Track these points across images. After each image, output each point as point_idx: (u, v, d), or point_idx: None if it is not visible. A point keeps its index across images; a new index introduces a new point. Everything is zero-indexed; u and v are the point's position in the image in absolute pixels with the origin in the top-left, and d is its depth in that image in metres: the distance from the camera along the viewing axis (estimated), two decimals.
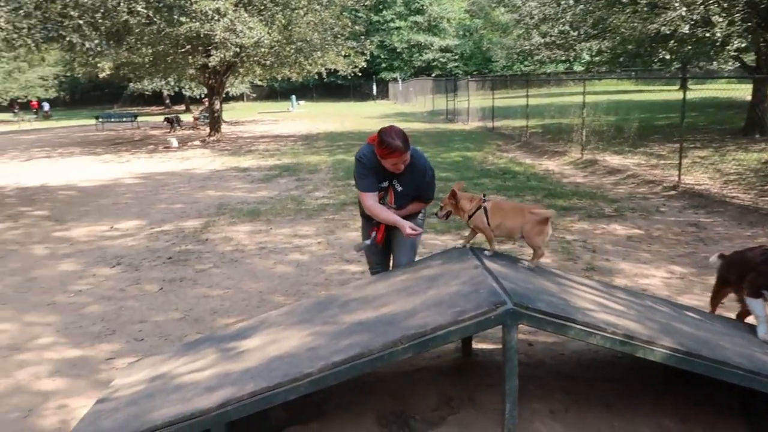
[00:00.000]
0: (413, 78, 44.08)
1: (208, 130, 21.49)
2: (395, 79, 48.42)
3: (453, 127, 20.72)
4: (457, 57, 50.46)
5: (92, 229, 7.75)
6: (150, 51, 15.16)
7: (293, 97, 41.55)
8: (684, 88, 11.05)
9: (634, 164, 10.58)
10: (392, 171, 3.30)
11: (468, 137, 17.03)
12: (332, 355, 2.44)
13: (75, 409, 3.25)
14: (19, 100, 39.56)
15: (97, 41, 9.76)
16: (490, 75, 35.00)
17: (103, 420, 2.67)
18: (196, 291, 5.12)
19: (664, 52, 12.93)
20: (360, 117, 28.74)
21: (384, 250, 3.67)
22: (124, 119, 29.72)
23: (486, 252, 3.22)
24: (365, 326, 2.62)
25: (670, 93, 26.50)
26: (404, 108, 36.00)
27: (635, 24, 12.17)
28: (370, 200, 3.37)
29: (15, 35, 9.25)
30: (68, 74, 41.61)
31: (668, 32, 11.11)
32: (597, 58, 17.01)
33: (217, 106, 20.39)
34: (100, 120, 28.99)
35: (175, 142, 18.72)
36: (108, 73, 17.13)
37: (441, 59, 50.12)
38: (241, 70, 19.81)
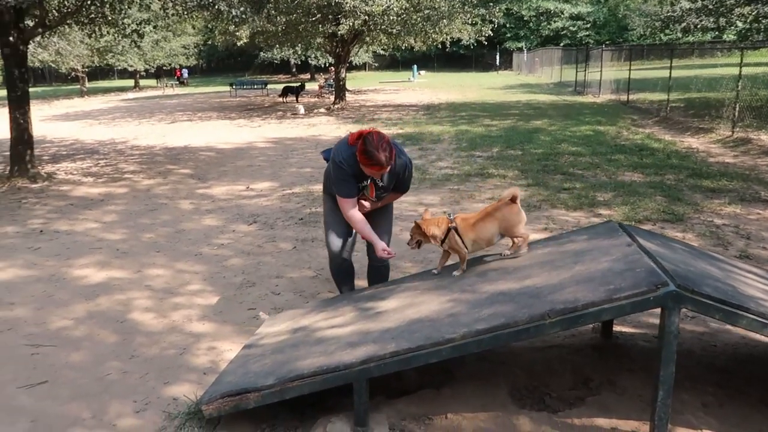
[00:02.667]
0: (539, 48, 42.23)
1: (332, 98, 22.07)
2: (520, 49, 46.71)
3: (582, 100, 19.66)
4: (588, 25, 47.55)
5: (230, 188, 8.28)
6: (283, 20, 15.72)
7: (414, 66, 41.46)
8: None
9: None
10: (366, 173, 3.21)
11: (599, 110, 16.08)
12: (474, 323, 2.41)
13: (223, 352, 3.51)
14: (164, 68, 42.99)
15: (242, 9, 10.24)
16: (627, 44, 32.53)
17: (251, 364, 2.86)
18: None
19: None
20: (482, 88, 28.14)
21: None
22: (255, 86, 31.34)
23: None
24: (508, 297, 2.56)
25: None
26: (529, 79, 34.71)
27: None
28: (350, 208, 3.30)
29: (170, 3, 9.94)
30: (207, 43, 44.58)
31: None
32: (755, 25, 15.22)
33: (343, 75, 20.82)
34: (234, 87, 30.79)
35: (302, 110, 19.45)
36: (245, 41, 18.04)
37: (571, 28, 47.50)
38: (367, 38, 20.02)
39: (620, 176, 7.80)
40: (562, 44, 41.35)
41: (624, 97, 17.51)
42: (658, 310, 2.24)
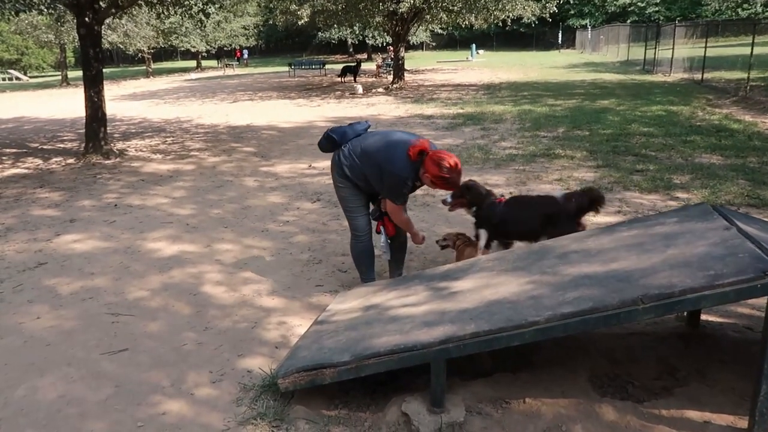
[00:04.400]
0: (604, 25, 40.55)
1: (390, 77, 21.91)
2: (584, 27, 44.99)
3: (652, 79, 18.77)
4: (658, 1, 45.22)
5: (293, 166, 8.35)
6: None
7: (473, 45, 40.67)
8: None
9: None
10: (428, 185, 3.47)
11: (671, 90, 15.31)
12: (559, 306, 2.31)
13: (293, 327, 3.54)
14: (225, 49, 43.84)
15: None
16: (703, 20, 30.77)
17: (324, 340, 2.86)
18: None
19: None
20: (544, 67, 27.32)
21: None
22: (313, 66, 31.53)
23: None
24: (594, 280, 2.44)
25: None
26: (593, 58, 33.44)
27: None
28: (403, 212, 3.58)
29: None
30: (267, 24, 45.09)
31: None
32: None
33: (402, 54, 20.62)
34: (293, 67, 31.07)
35: (360, 89, 19.41)
36: (305, 20, 18.11)
37: (639, 4, 45.29)
38: (427, 16, 19.69)
39: (697, 158, 7.39)
40: (629, 21, 39.55)
41: (698, 76, 16.60)
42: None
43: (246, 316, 3.73)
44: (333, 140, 3.66)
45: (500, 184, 6.60)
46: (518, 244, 3.75)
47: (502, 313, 2.43)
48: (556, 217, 3.57)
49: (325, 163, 8.35)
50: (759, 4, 17.66)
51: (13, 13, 9.42)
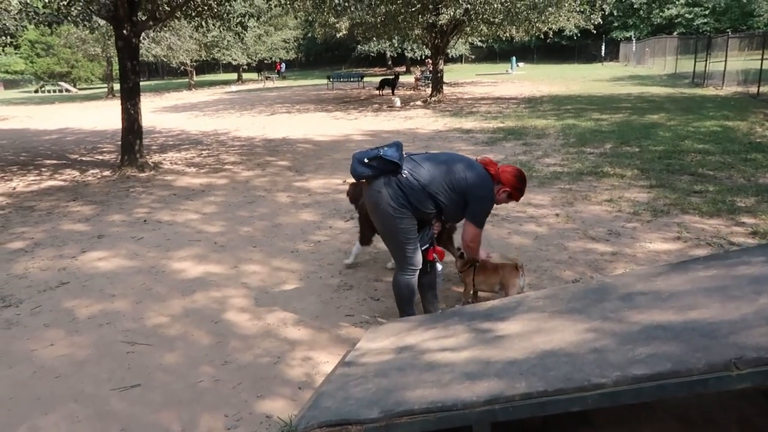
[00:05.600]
0: (650, 37, 39.47)
1: (428, 90, 21.64)
2: (628, 39, 43.93)
3: (702, 92, 17.97)
4: (707, 12, 43.81)
5: (327, 181, 8.10)
6: (383, 10, 15.47)
7: (513, 58, 40.11)
8: None
9: None
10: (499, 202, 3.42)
11: (724, 104, 14.56)
12: (629, 364, 1.93)
13: (319, 364, 3.23)
14: (265, 62, 44.43)
15: None
16: (759, 31, 29.55)
17: (352, 387, 2.53)
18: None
19: None
20: (587, 80, 26.63)
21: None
22: (352, 79, 31.53)
23: None
24: (670, 333, 2.05)
25: None
26: (638, 70, 32.51)
27: None
28: (480, 235, 3.39)
29: None
30: (306, 36, 45.55)
31: None
32: None
33: (440, 67, 20.33)
34: (331, 79, 31.14)
35: (398, 102, 19.18)
36: (344, 33, 18.03)
37: (687, 15, 43.98)
38: (467, 28, 19.37)
39: (761, 178, 6.83)
40: (675, 33, 38.42)
41: (753, 89, 15.78)
42: None
43: (269, 349, 3.44)
44: (383, 167, 3.19)
45: (545, 204, 6.20)
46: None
47: (559, 368, 2.06)
48: None
49: None
50: None
51: (46, 25, 9.47)
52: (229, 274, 4.71)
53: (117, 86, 35.20)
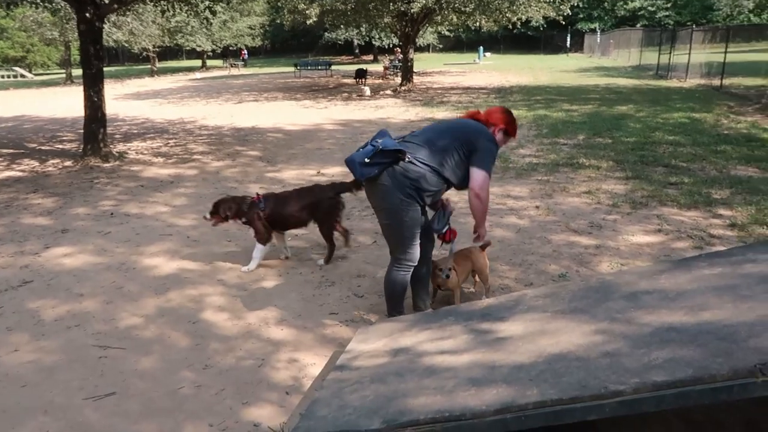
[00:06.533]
0: (614, 29, 40.08)
1: (397, 79, 21.47)
2: (593, 30, 44.52)
3: (667, 84, 18.29)
4: (669, 5, 44.74)
5: (301, 172, 7.90)
6: None
7: (480, 48, 40.24)
8: None
9: None
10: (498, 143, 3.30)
11: (689, 96, 14.82)
12: (647, 370, 1.84)
13: (306, 366, 3.09)
14: (230, 48, 43.50)
15: None
16: (723, 25, 30.24)
17: (348, 394, 2.39)
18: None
19: None
20: (554, 71, 26.86)
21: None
22: (320, 67, 31.11)
23: None
24: (685, 336, 1.97)
25: None
26: (603, 62, 32.97)
27: None
28: (488, 184, 3.18)
29: None
30: (273, 23, 44.73)
31: None
32: None
33: (411, 56, 20.17)
34: (298, 67, 30.67)
35: (368, 91, 18.97)
36: (314, 20, 17.67)
37: (649, 8, 44.86)
38: (437, 18, 19.24)
39: (732, 170, 6.92)
40: (639, 25, 39.09)
41: (716, 82, 16.12)
42: None
43: (252, 351, 3.27)
44: (386, 159, 3.07)
45: (524, 196, 6.15)
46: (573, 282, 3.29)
47: (572, 374, 1.96)
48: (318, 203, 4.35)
49: (334, 169, 7.90)
50: None
51: (4, 5, 8.96)
52: (204, 270, 4.50)
53: (75, 72, 33.78)
